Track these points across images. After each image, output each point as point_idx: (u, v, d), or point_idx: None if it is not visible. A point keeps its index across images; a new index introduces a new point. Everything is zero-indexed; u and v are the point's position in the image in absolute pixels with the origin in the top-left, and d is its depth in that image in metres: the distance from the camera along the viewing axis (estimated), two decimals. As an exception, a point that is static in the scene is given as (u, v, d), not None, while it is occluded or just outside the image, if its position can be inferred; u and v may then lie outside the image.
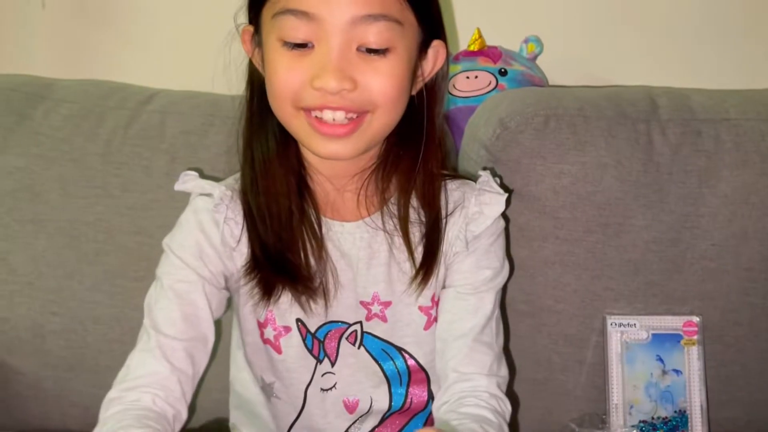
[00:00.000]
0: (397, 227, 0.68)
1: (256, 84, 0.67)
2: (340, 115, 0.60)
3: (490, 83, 1.00)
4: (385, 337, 0.71)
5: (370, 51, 0.59)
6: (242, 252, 0.68)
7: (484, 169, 0.75)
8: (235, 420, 0.77)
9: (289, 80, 0.60)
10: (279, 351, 0.70)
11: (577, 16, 1.11)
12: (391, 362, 0.72)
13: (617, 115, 0.84)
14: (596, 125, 0.83)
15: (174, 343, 0.64)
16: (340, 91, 0.59)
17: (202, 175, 0.71)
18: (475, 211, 0.69)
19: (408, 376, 0.72)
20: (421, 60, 0.65)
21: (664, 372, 0.83)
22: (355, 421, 0.72)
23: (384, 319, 0.70)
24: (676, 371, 0.83)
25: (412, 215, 0.68)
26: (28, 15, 1.14)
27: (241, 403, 0.76)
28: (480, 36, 1.04)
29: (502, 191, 0.71)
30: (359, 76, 0.59)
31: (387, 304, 0.70)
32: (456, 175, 0.74)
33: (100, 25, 1.14)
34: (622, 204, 0.82)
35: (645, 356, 0.83)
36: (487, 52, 1.03)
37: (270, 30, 0.61)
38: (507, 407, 0.67)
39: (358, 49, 0.59)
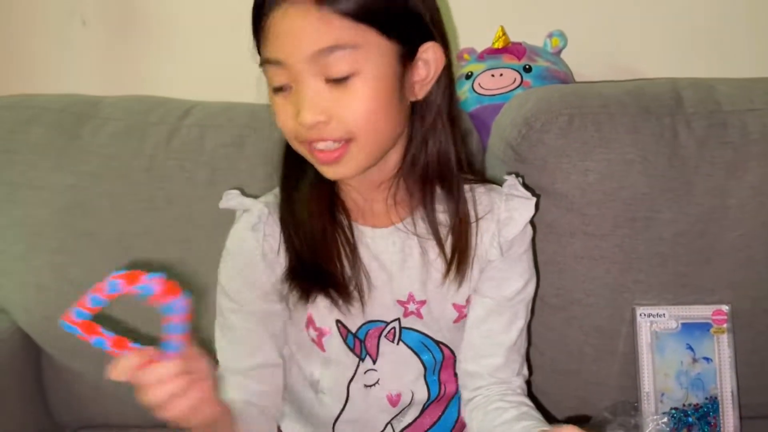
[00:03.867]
0: (429, 230, 0.71)
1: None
2: (329, 144, 0.63)
3: (515, 80, 1.02)
4: (423, 330, 0.74)
5: (336, 81, 0.61)
6: (281, 262, 0.71)
7: (509, 173, 0.77)
8: (284, 411, 0.81)
9: (285, 121, 0.64)
10: (323, 349, 0.75)
11: (600, 9, 1.12)
12: (429, 353, 0.75)
13: (641, 111, 0.85)
14: (621, 122, 0.84)
15: (239, 378, 0.71)
16: (316, 125, 0.62)
17: (244, 193, 0.74)
18: (505, 217, 0.72)
19: (441, 364, 0.76)
20: (410, 68, 0.65)
21: (695, 360, 0.85)
22: (398, 414, 0.76)
23: (420, 316, 0.74)
24: (707, 359, 0.85)
25: (441, 217, 0.71)
26: (69, 33, 1.20)
27: (290, 395, 0.80)
28: (504, 33, 1.06)
29: (530, 195, 0.73)
30: (332, 107, 0.62)
31: (422, 302, 0.73)
32: (483, 180, 0.76)
33: (139, 39, 1.19)
34: (649, 198, 0.83)
35: (675, 345, 0.85)
36: (511, 49, 1.05)
37: (266, 78, 0.66)
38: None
39: (327, 82, 0.62)
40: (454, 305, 0.74)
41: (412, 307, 0.73)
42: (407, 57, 0.64)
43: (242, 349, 0.72)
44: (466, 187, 0.72)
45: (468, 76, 1.05)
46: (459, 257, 0.71)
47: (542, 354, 0.89)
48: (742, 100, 0.86)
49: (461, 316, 0.75)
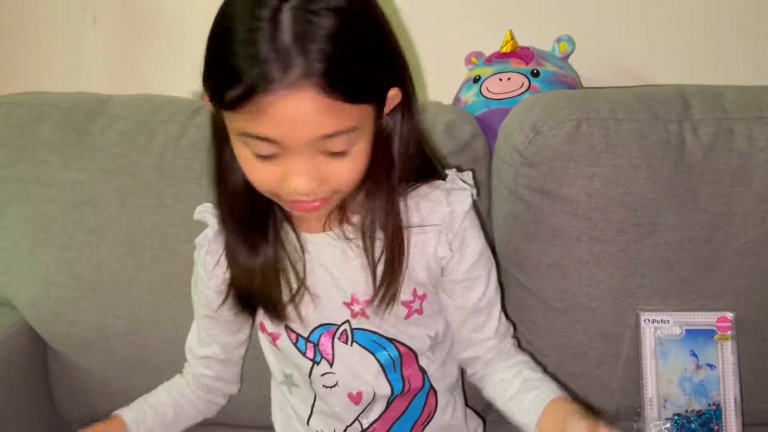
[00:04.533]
0: (360, 238, 0.71)
1: (222, 135, 0.67)
2: (311, 199, 0.65)
3: (522, 85, 1.02)
4: (373, 329, 0.75)
5: (331, 154, 0.62)
6: (217, 274, 0.77)
7: (450, 168, 0.76)
8: (273, 410, 0.86)
9: (264, 181, 0.64)
10: (279, 348, 0.78)
11: (609, 14, 1.12)
12: (384, 351, 0.76)
13: (649, 117, 0.86)
14: (628, 127, 0.85)
15: (194, 360, 0.85)
16: (312, 191, 0.63)
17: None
18: (448, 211, 0.73)
19: (400, 361, 0.77)
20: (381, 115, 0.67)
21: (698, 366, 0.85)
22: (364, 409, 0.78)
23: (365, 315, 0.74)
24: (710, 366, 0.85)
25: (375, 228, 0.71)
26: (80, 31, 1.21)
27: (274, 393, 0.85)
28: (512, 38, 1.06)
29: (467, 187, 0.74)
30: (324, 175, 0.63)
31: (367, 302, 0.73)
32: (427, 179, 0.74)
33: (148, 38, 1.20)
34: (655, 204, 0.84)
35: (679, 351, 0.86)
36: (519, 53, 1.05)
37: (235, 135, 0.63)
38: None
39: (321, 154, 0.62)
40: (402, 302, 0.75)
41: (356, 308, 0.74)
42: (382, 110, 0.66)
43: (197, 339, 0.84)
44: (410, 194, 0.72)
45: (476, 80, 1.06)
46: (389, 267, 0.71)
47: (546, 357, 0.89)
48: (750, 107, 0.86)
49: (411, 312, 0.75)
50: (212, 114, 0.69)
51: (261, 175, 0.64)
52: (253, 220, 0.72)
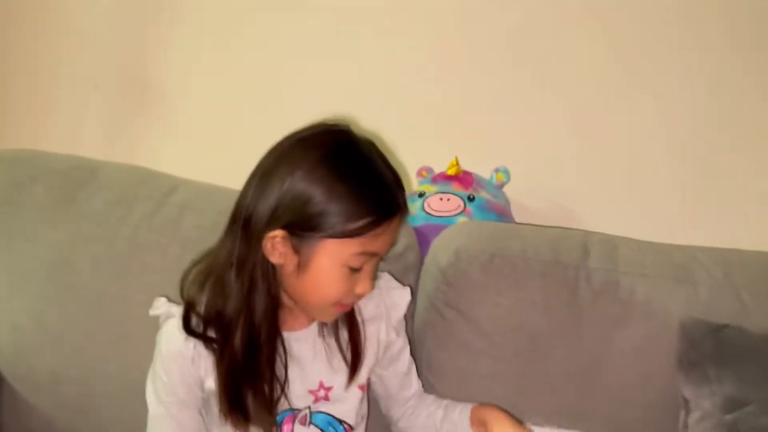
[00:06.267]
0: (331, 333, 0.87)
1: (261, 265, 0.79)
2: None
3: (459, 206, 1.18)
4: (330, 412, 0.89)
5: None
6: (209, 383, 0.84)
7: (381, 272, 0.94)
8: None
9: (340, 289, 0.80)
10: None
11: (544, 150, 1.29)
12: (334, 430, 0.89)
13: (553, 260, 1.01)
14: (533, 266, 1.00)
15: None
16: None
17: (170, 300, 0.88)
18: (390, 304, 0.92)
19: None
20: None
21: (571, 484, 0.98)
22: None
23: (328, 399, 0.89)
24: (582, 480, 0.98)
25: (338, 325, 0.88)
26: (82, 96, 1.34)
27: None
28: (457, 163, 1.22)
29: (401, 285, 0.94)
30: None
31: (329, 388, 0.88)
32: None
33: (145, 109, 1.33)
34: (546, 337, 0.98)
35: (558, 464, 0.99)
36: (461, 177, 1.21)
37: (335, 258, 0.78)
38: None
39: None
40: (359, 386, 0.91)
41: (321, 393, 0.88)
42: None
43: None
44: None
45: (420, 195, 1.21)
46: (354, 357, 0.88)
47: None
48: (637, 264, 1.01)
49: (364, 393, 0.93)
50: (263, 255, 0.78)
51: (342, 286, 0.80)
52: (260, 334, 0.81)
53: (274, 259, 0.79)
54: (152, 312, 0.88)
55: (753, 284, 1.00)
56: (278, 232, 0.77)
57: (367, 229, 0.76)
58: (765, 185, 1.24)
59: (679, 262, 1.02)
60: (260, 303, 0.80)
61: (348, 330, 0.88)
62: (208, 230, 1.07)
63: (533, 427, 0.97)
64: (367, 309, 0.90)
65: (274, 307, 0.82)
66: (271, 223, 0.77)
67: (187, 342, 0.83)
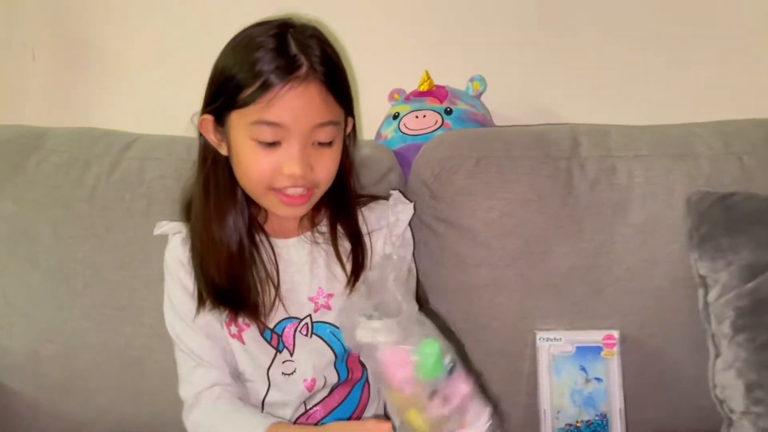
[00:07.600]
0: (328, 242, 0.86)
1: (212, 157, 0.82)
2: (298, 190, 0.79)
3: (436, 122, 1.11)
4: (331, 322, 0.85)
5: (321, 144, 0.78)
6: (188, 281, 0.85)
7: (393, 190, 0.93)
8: None
9: (263, 170, 0.77)
10: (243, 342, 0.85)
11: (520, 55, 1.22)
12: (338, 342, 0.85)
13: (541, 155, 0.95)
14: (521, 164, 0.94)
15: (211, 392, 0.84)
16: (304, 176, 0.77)
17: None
18: (393, 219, 0.89)
19: (349, 352, 0.86)
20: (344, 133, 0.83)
21: (587, 380, 0.94)
22: (311, 395, 0.86)
23: (328, 307, 0.85)
24: (598, 379, 0.94)
25: (339, 232, 0.86)
26: (19, 66, 1.25)
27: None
28: (429, 78, 1.15)
29: (408, 202, 0.90)
30: (314, 163, 0.78)
31: (330, 295, 0.86)
32: (372, 197, 0.91)
33: (85, 73, 1.26)
34: (544, 235, 0.93)
35: (570, 367, 0.94)
36: (434, 92, 1.14)
37: (242, 130, 0.77)
38: None
39: (312, 144, 0.78)
40: None
41: (321, 300, 0.85)
42: (345, 128, 0.83)
43: (196, 378, 0.84)
44: (361, 208, 0.88)
45: (395, 116, 1.14)
46: (355, 265, 0.85)
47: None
48: (631, 147, 0.96)
49: None
50: (203, 142, 0.83)
51: (261, 165, 0.77)
52: (236, 229, 0.82)
53: (213, 142, 0.81)
54: (156, 232, 0.88)
55: (754, 149, 0.95)
56: (206, 116, 0.80)
57: (257, 94, 0.74)
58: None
59: (676, 138, 0.97)
60: (222, 194, 0.82)
61: (349, 239, 0.86)
62: (173, 179, 1.01)
63: (542, 333, 0.93)
64: (369, 221, 0.88)
65: (239, 200, 0.82)
66: (203, 107, 0.80)
67: (186, 247, 0.85)
